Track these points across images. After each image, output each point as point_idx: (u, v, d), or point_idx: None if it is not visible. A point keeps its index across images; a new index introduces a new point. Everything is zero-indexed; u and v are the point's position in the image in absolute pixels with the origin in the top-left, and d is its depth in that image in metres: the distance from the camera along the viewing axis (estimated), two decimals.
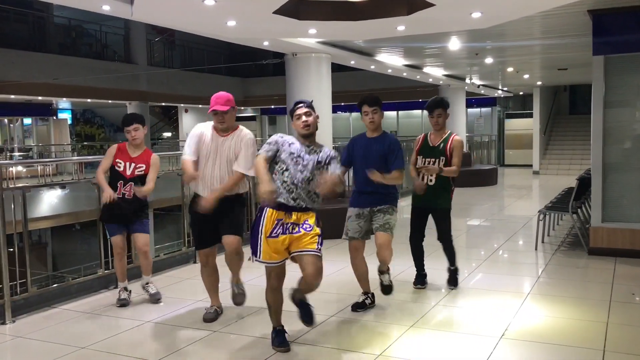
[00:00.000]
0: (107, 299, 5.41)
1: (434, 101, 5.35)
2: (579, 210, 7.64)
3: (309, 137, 4.04)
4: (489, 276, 5.92)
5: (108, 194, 4.95)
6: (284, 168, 3.94)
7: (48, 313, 5.03)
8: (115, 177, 5.08)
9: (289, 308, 4.01)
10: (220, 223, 4.54)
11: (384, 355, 3.92)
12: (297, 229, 3.86)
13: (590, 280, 6.08)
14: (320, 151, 4.03)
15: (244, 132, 4.59)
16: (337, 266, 6.05)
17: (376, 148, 4.73)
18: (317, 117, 4.08)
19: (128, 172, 5.06)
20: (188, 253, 6.83)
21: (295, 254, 3.89)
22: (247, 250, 4.15)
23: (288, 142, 4.03)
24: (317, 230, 3.90)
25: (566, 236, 8.04)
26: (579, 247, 7.22)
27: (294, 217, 3.87)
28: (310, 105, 4.08)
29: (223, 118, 4.45)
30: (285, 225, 3.87)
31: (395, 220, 4.77)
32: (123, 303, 5.14)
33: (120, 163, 5.06)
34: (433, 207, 5.32)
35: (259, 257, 3.92)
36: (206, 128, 4.58)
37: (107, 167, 5.12)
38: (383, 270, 4.89)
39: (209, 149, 4.49)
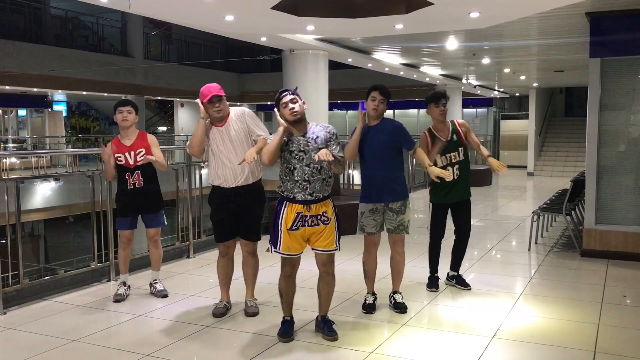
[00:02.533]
0: (99, 292, 5.40)
1: (438, 92, 5.20)
2: (572, 212, 7.67)
3: (299, 124, 4.02)
4: (482, 276, 5.93)
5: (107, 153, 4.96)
6: (291, 168, 3.96)
7: (40, 305, 5.01)
8: (121, 171, 5.01)
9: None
10: (242, 222, 4.59)
11: (376, 353, 3.92)
12: (316, 221, 3.97)
13: (582, 282, 6.10)
14: (317, 136, 4.01)
15: (238, 109, 4.58)
16: None
17: (378, 137, 4.58)
18: (304, 102, 4.07)
19: (131, 162, 4.98)
20: (182, 248, 6.81)
21: (316, 251, 4.07)
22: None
23: (284, 139, 4.02)
24: (334, 222, 4.03)
25: (559, 237, 8.07)
26: (572, 248, 7.25)
27: (312, 209, 3.96)
28: (295, 92, 4.06)
29: (220, 105, 4.41)
30: (304, 218, 3.96)
31: (408, 217, 4.73)
32: (119, 299, 5.06)
33: (121, 157, 4.98)
34: (462, 199, 5.25)
35: (279, 249, 4.01)
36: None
37: (113, 166, 4.99)
38: (397, 291, 4.87)
39: (217, 146, 4.45)
